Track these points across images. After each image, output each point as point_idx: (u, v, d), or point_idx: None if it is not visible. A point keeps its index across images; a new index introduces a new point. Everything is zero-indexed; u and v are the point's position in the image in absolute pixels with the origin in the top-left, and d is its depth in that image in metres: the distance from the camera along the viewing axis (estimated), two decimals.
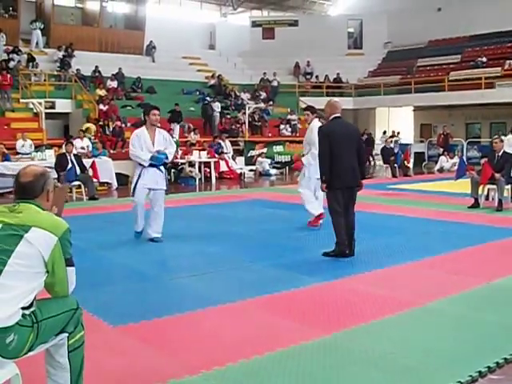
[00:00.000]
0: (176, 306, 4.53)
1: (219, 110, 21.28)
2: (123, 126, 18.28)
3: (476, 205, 9.84)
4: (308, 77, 28.45)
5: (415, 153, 22.26)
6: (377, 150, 20.57)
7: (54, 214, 2.77)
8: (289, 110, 23.75)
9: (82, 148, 14.84)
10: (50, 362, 2.71)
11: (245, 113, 21.76)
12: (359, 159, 6.33)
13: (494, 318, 4.14)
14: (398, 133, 24.26)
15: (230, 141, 19.55)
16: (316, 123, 8.03)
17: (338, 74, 27.63)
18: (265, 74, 26.78)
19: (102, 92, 20.75)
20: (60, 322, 2.61)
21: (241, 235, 7.69)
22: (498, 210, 9.43)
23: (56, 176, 12.03)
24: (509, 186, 9.82)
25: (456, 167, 14.41)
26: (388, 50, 30.80)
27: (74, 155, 12.33)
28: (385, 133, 24.43)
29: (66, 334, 2.66)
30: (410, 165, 19.41)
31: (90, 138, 16.02)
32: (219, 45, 30.20)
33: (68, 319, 2.65)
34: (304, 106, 25.72)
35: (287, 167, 19.08)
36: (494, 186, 9.76)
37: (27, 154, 14.17)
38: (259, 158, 18.90)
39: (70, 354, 2.68)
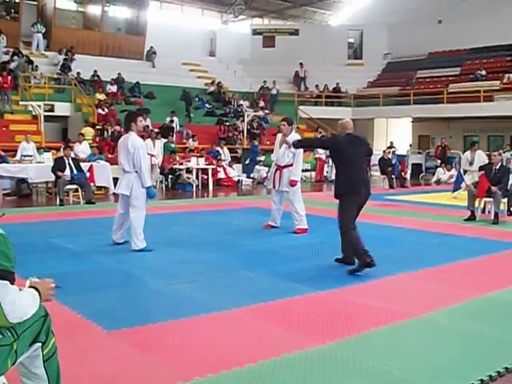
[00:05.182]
0: (170, 312, 4.52)
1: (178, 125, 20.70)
2: (122, 130, 18.28)
3: (472, 217, 9.86)
4: (308, 85, 28.50)
5: (413, 164, 22.27)
6: (374, 160, 20.59)
7: None
8: None
9: (82, 152, 14.91)
10: (25, 374, 2.59)
11: (243, 120, 21.79)
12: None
13: (489, 331, 4.15)
14: (411, 145, 23.89)
15: (228, 148, 19.58)
16: (295, 134, 8.45)
17: (337, 83, 27.72)
18: (265, 82, 26.83)
19: (101, 96, 20.79)
20: (33, 331, 2.49)
21: (237, 243, 7.68)
22: (494, 223, 9.44)
23: (54, 179, 12.09)
24: (505, 199, 9.86)
25: (453, 179, 14.49)
26: (388, 61, 30.92)
27: (72, 159, 12.35)
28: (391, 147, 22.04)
29: (40, 344, 2.54)
30: (408, 176, 19.43)
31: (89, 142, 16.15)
32: (219, 52, 30.30)
33: (39, 328, 2.53)
34: (303, 115, 25.91)
35: None
36: (491, 199, 9.78)
37: (30, 156, 14.20)
38: (257, 166, 18.93)
39: (45, 364, 2.57)
